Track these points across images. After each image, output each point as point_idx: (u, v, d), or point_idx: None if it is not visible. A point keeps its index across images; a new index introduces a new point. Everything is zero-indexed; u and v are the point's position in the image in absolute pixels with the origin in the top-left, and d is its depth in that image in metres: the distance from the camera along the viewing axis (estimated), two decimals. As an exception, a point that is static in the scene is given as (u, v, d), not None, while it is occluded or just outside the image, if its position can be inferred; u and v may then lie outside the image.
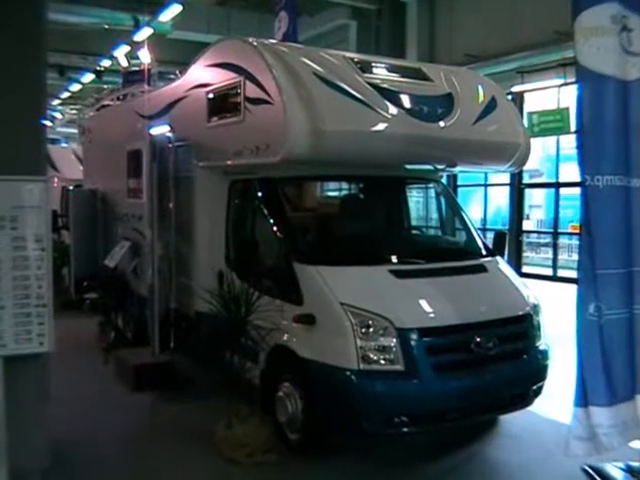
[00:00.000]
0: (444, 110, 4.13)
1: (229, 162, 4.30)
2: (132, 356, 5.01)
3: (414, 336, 3.35)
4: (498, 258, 4.30)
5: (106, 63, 14.37)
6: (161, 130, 5.24)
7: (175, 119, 5.17)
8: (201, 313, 4.31)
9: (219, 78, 4.43)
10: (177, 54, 12.89)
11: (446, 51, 11.45)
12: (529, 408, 3.79)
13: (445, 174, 5.13)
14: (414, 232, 5.19)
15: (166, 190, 5.06)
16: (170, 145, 5.07)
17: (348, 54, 4.37)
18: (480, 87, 4.59)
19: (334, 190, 5.44)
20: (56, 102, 19.36)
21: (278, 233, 3.93)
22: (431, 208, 5.13)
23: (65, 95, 18.41)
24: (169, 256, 5.06)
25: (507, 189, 11.60)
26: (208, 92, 4.59)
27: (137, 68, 11.94)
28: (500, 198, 12.60)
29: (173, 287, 5.05)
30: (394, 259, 3.90)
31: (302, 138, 3.59)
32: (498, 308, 3.71)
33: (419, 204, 5.30)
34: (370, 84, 3.97)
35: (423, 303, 3.56)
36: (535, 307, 3.89)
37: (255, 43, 3.99)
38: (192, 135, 4.83)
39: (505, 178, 11.28)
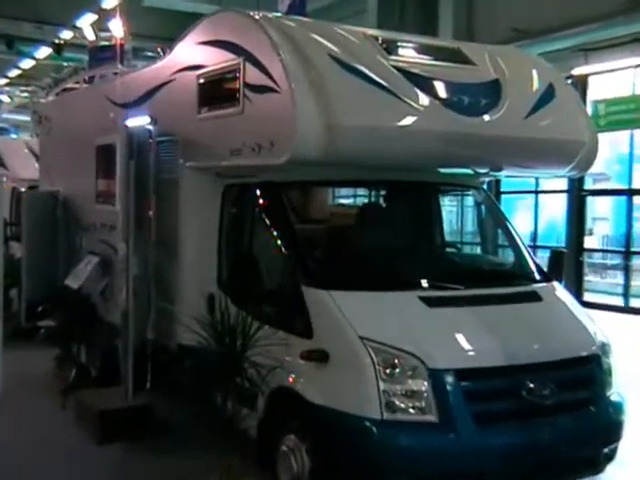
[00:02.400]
0: (489, 101, 4.21)
1: (224, 162, 4.41)
2: (98, 399, 5.05)
3: (450, 379, 3.35)
4: (555, 283, 4.32)
5: (67, 35, 14.36)
6: (139, 121, 5.35)
7: (157, 108, 5.27)
8: (186, 346, 4.39)
9: (213, 59, 4.53)
10: (158, 27, 13.00)
11: (488, 25, 11.26)
12: (599, 477, 3.71)
13: (487, 179, 5.24)
14: (449, 250, 5.27)
15: (145, 195, 5.17)
16: (151, 140, 5.18)
17: (370, 31, 4.50)
18: (534, 71, 4.64)
19: (350, 197, 5.64)
20: (2, 82, 19.37)
21: (282, 249, 4.01)
22: (470, 220, 5.33)
23: (14, 73, 18.29)
24: (147, 275, 5.15)
25: (564, 197, 11.34)
26: (199, 76, 4.69)
27: (107, 43, 12.02)
28: (555, 208, 12.36)
29: (152, 314, 5.13)
30: (425, 283, 3.97)
31: (313, 135, 3.68)
32: (556, 347, 3.70)
33: (455, 215, 5.54)
34: (397, 68, 4.08)
35: (461, 338, 3.59)
36: (604, 346, 3.87)
37: (257, 17, 4.09)
38: (178, 129, 4.93)
39: (562, 183, 11.01)
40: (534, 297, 4.01)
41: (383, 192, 5.05)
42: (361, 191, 5.30)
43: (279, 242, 4.04)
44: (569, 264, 9.93)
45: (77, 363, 6.09)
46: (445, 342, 3.53)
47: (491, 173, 4.83)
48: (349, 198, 5.54)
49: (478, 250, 5.11)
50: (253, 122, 4.09)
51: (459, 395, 3.32)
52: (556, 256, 4.58)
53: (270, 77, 3.88)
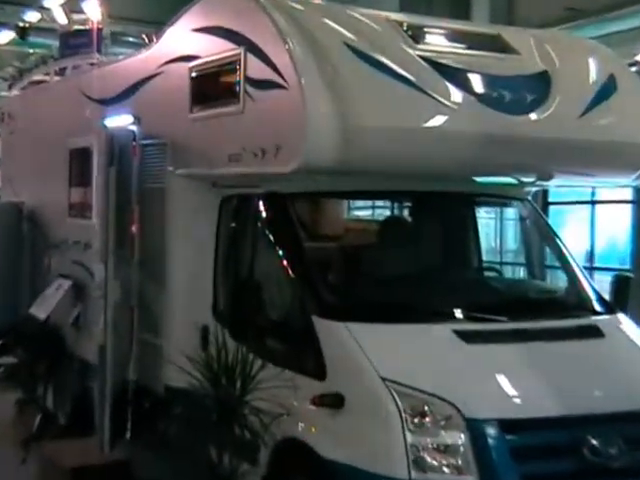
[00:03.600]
0: (536, 96, 4.25)
1: (220, 170, 4.49)
2: (67, 452, 5.03)
3: (493, 431, 3.31)
4: (619, 315, 4.31)
5: (33, 17, 14.43)
6: (121, 121, 5.43)
7: (142, 106, 5.35)
8: (175, 389, 4.44)
9: (208, 49, 4.62)
10: (143, 9, 12.96)
11: (533, 4, 11.01)
12: None
13: (534, 189, 5.23)
14: (488, 273, 5.33)
15: (127, 207, 5.23)
16: (134, 143, 5.26)
17: (393, 15, 4.56)
18: (591, 60, 4.67)
19: (369, 210, 5.68)
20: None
21: (290, 272, 4.06)
22: (512, 238, 5.42)
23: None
24: (129, 303, 5.19)
25: (628, 208, 10.98)
26: (192, 69, 4.77)
27: (81, 27, 12.08)
28: (616, 222, 11.95)
29: (134, 349, 5.17)
30: (460, 314, 4.00)
31: (327, 138, 3.74)
32: (624, 394, 3.63)
33: (494, 232, 5.59)
34: (425, 59, 4.13)
35: (506, 382, 3.58)
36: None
37: (262, -1, 4.17)
38: (167, 130, 5.02)
39: (624, 192, 10.46)
40: (594, 332, 3.99)
41: (409, 204, 5.10)
42: (382, 203, 5.39)
43: (286, 264, 4.09)
44: (636, 291, 9.70)
45: (42, 408, 6.10)
46: (486, 386, 3.52)
47: (538, 182, 4.87)
48: (368, 211, 5.58)
49: (523, 273, 5.19)
50: (255, 123, 4.16)
51: (504, 451, 3.27)
52: (620, 281, 4.57)
53: (276, 70, 3.94)
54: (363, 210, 5.67)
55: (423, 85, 3.97)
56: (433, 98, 3.96)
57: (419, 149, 3.95)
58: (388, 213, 5.28)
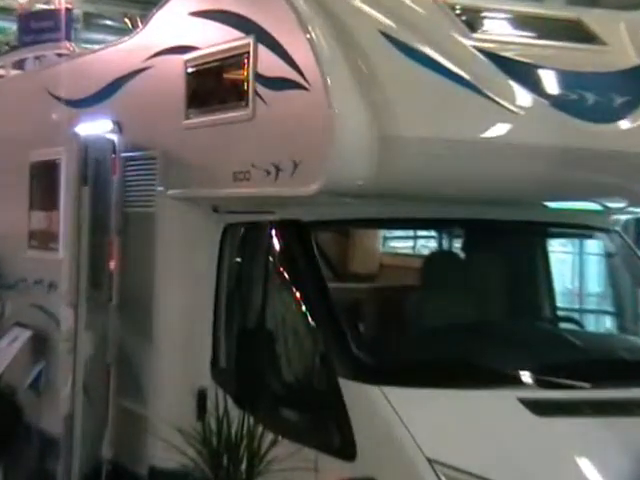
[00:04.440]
0: (628, 99, 4.29)
1: (224, 191, 4.59)
2: None
3: None
4: None
5: None
6: (97, 128, 5.56)
7: (125, 109, 5.49)
8: (163, 471, 4.52)
9: (209, 38, 4.73)
10: None
11: None
12: None
13: (624, 217, 5.29)
14: (564, 325, 5.32)
15: (104, 237, 5.33)
16: (114, 156, 5.39)
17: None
18: None
19: (410, 242, 5.75)
20: None
21: (311, 321, 4.13)
22: (595, 278, 5.45)
23: None
24: (105, 360, 5.24)
25: None
26: (188, 63, 4.89)
27: (45, 7, 11.86)
28: None
29: (110, 420, 5.20)
30: (528, 377, 4.03)
31: (359, 152, 3.83)
32: None
33: (572, 271, 5.52)
34: (484, 52, 4.21)
35: (590, 467, 3.57)
36: None
37: (276, -23, 4.26)
38: (156, 140, 5.13)
39: None
40: None
41: (462, 236, 5.18)
42: (428, 234, 5.50)
43: (306, 310, 4.16)
44: None
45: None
46: (565, 473, 3.52)
47: (629, 209, 4.91)
48: (409, 244, 5.62)
49: (610, 325, 5.25)
50: (268, 132, 4.24)
51: None
52: None
53: (294, 66, 4.03)
54: (403, 243, 5.69)
55: (481, 85, 4.04)
56: (494, 101, 4.03)
57: (475, 166, 4.02)
58: (435, 247, 5.39)
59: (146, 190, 5.22)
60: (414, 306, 4.68)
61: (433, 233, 5.39)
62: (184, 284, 4.93)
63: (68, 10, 10.47)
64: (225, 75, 4.65)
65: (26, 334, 6.05)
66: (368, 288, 4.87)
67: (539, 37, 4.51)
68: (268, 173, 4.16)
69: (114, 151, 5.39)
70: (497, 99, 4.03)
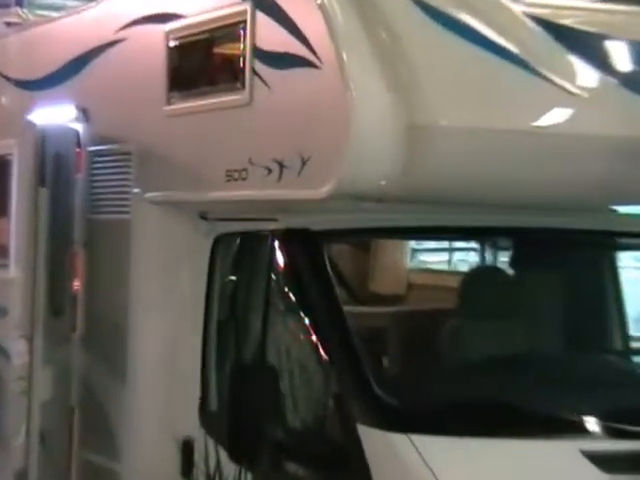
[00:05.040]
0: None
1: (215, 194, 4.61)
2: None
3: None
4: None
5: None
6: (58, 116, 5.56)
7: (92, 92, 5.50)
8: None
9: (196, 4, 4.78)
10: None
11: None
12: None
13: None
14: (638, 358, 5.44)
15: (66, 251, 5.34)
16: (79, 151, 5.40)
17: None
18: None
19: (444, 254, 5.79)
20: None
21: (323, 353, 4.13)
22: None
23: None
24: (67, 404, 5.21)
25: None
26: (170, 35, 4.92)
27: None
28: None
29: (73, 476, 5.18)
30: (592, 425, 4.01)
31: (383, 145, 3.84)
32: None
33: None
34: (538, 19, 4.21)
35: None
36: None
37: None
38: (131, 131, 5.16)
39: None
40: None
41: (509, 249, 5.18)
42: (466, 245, 5.51)
43: (317, 340, 4.16)
44: None
45: None
46: None
47: None
48: (443, 257, 5.59)
49: None
50: (270, 121, 4.26)
51: None
52: None
53: (302, 38, 4.03)
54: (437, 257, 5.68)
55: (533, 61, 4.03)
56: (550, 82, 4.03)
57: (528, 163, 4.01)
58: (476, 262, 5.36)
59: (118, 193, 5.22)
60: (450, 335, 4.68)
61: (474, 245, 5.39)
62: (166, 308, 4.95)
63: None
64: (216, 50, 4.66)
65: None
66: (393, 313, 4.88)
67: (606, 0, 4.51)
68: (269, 172, 4.17)
69: (78, 144, 5.39)
70: (554, 78, 4.03)
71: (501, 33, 4.06)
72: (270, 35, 4.22)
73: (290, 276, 4.41)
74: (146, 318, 5.03)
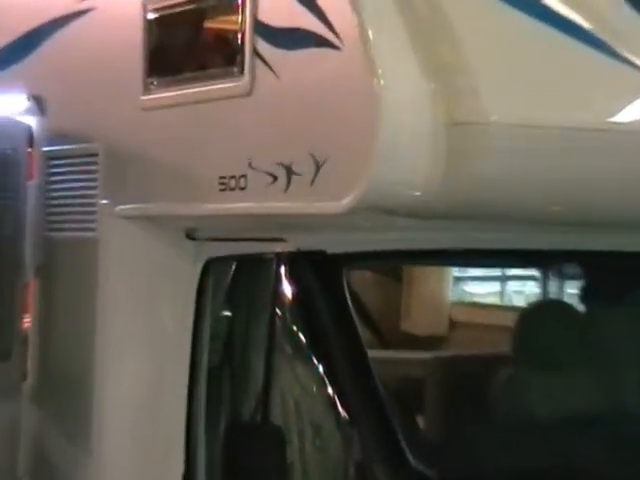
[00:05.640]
0: None
1: (204, 207, 4.61)
2: None
3: None
4: None
5: None
6: (5, 107, 5.57)
7: (49, 78, 5.50)
8: None
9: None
10: None
11: None
12: None
13: None
14: None
15: (14, 278, 5.29)
16: (31, 151, 5.39)
17: None
18: None
19: (495, 286, 5.76)
20: None
21: (341, 410, 4.14)
22: None
23: None
24: (13, 474, 5.18)
25: None
26: (149, 6, 4.95)
27: None
28: None
29: None
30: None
31: (418, 146, 3.81)
32: None
33: None
34: None
35: None
36: None
37: None
38: (98, 127, 5.18)
39: None
40: None
41: (577, 276, 5.18)
42: (524, 272, 5.45)
43: (334, 393, 4.17)
44: None
45: None
46: None
47: None
48: (494, 287, 5.64)
49: None
50: (275, 115, 4.26)
51: None
52: None
53: (317, 11, 4.04)
54: (486, 287, 5.74)
55: (618, 44, 4.04)
56: (634, 67, 4.04)
57: (605, 168, 3.99)
58: (537, 294, 5.34)
59: (82, 205, 5.22)
60: (503, 388, 4.69)
61: (533, 272, 5.37)
62: (142, 353, 4.96)
63: None
64: (207, 24, 4.68)
65: None
66: (431, 359, 4.84)
67: None
68: (274, 179, 4.15)
69: (31, 143, 5.39)
70: (638, 63, 4.05)
71: (571, 5, 4.07)
72: (276, 6, 4.24)
73: (301, 312, 4.45)
74: (116, 365, 5.02)
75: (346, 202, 3.82)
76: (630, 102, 4.05)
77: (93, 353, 5.06)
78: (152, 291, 4.92)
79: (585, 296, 5.21)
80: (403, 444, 4.01)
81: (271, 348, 4.44)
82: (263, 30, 4.26)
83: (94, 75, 5.20)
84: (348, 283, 4.40)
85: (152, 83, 4.83)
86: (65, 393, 5.19)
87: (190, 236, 4.84)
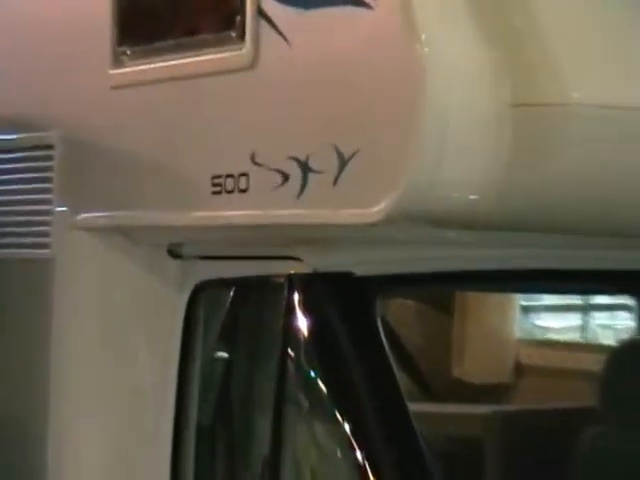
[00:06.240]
0: None
1: (192, 215, 4.57)
2: None
3: None
4: None
5: None
6: None
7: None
8: None
9: None
10: None
11: None
12: None
13: None
14: None
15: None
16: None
17: None
18: None
19: (576, 319, 5.65)
20: None
21: (372, 477, 4.10)
22: None
23: None
24: None
25: None
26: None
27: None
28: None
29: None
30: None
31: (474, 135, 3.75)
32: None
33: None
34: None
35: None
36: None
37: None
38: (53, 112, 5.24)
39: None
40: None
41: None
42: (609, 299, 5.52)
43: (363, 456, 4.11)
44: None
45: None
46: None
47: None
48: (570, 318, 5.41)
49: None
50: (286, 95, 4.20)
51: None
52: None
53: None
54: (562, 320, 5.54)
55: None
56: None
57: None
58: (629, 328, 5.24)
59: (32, 213, 5.20)
60: (588, 453, 4.60)
61: (627, 301, 5.27)
62: (110, 407, 4.95)
63: None
64: None
65: None
66: (490, 414, 4.77)
67: None
68: (285, 178, 4.08)
69: None
70: None
71: None
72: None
73: (321, 353, 4.43)
74: (75, 423, 4.99)
75: (380, 209, 3.74)
76: None
77: (46, 406, 5.00)
78: (124, 327, 4.88)
79: None
80: None
81: (281, 401, 4.40)
82: None
83: (46, 43, 5.18)
84: (382, 315, 4.39)
85: (124, 53, 4.75)
86: (11, 457, 5.16)
87: (174, 253, 4.81)
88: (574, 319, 5.63)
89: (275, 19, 4.14)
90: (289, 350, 4.40)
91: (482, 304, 5.25)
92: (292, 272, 4.38)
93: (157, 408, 4.82)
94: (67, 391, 5.02)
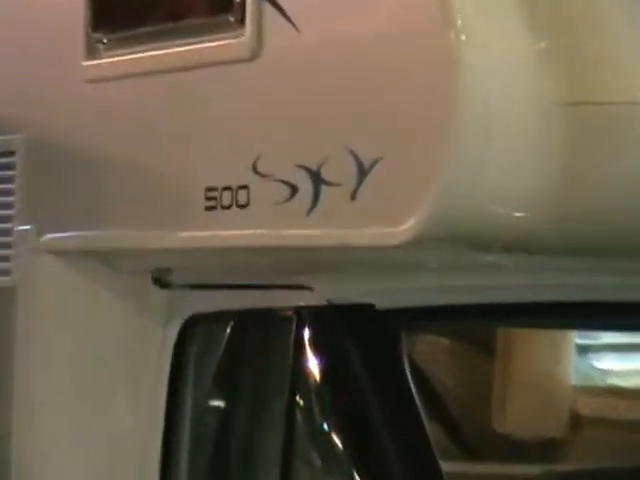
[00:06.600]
0: None
1: (181, 235, 4.53)
2: None
3: None
4: None
5: None
6: None
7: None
8: None
9: None
10: None
11: None
12: None
13: None
14: None
15: None
16: None
17: None
18: None
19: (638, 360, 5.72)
20: None
21: None
22: None
23: None
24: None
25: None
26: None
27: None
28: None
29: None
30: None
31: (521, 139, 3.72)
32: None
33: None
34: None
35: None
36: None
37: None
38: (16, 111, 5.29)
39: None
40: None
41: None
42: None
43: None
44: None
45: None
46: None
47: None
48: (638, 360, 5.59)
49: None
50: (294, 90, 4.16)
51: None
52: None
53: None
54: (629, 362, 5.62)
55: None
56: None
57: None
58: None
59: None
60: None
61: None
62: (86, 461, 4.93)
63: None
64: None
65: None
66: (542, 476, 4.68)
67: None
68: (292, 191, 4.03)
69: None
70: None
71: None
72: None
73: (336, 400, 4.38)
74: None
75: (407, 228, 3.66)
76: None
77: (8, 462, 4.99)
78: (100, 369, 4.85)
79: None
80: None
81: (289, 457, 4.37)
82: None
83: (8, 33, 5.19)
84: (409, 356, 4.31)
85: (100, 41, 4.71)
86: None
87: (161, 282, 4.75)
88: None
89: (281, 0, 4.11)
90: (298, 397, 4.37)
91: (530, 342, 5.13)
92: (301, 304, 4.36)
93: (140, 465, 4.82)
94: (32, 445, 5.02)
